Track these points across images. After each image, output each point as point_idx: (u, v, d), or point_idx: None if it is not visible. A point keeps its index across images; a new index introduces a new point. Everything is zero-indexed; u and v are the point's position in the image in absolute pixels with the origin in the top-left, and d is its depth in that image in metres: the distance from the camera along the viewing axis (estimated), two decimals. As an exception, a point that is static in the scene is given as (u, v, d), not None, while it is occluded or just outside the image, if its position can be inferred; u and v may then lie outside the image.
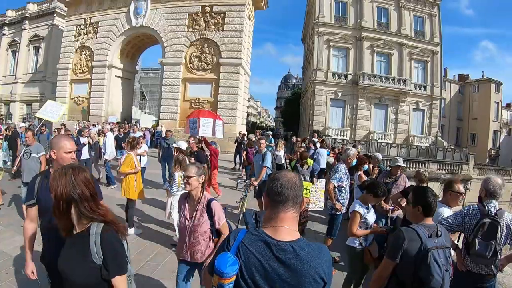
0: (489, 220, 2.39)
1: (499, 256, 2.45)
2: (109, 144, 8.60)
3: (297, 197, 1.22)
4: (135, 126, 13.15)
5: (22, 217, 5.12)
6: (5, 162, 6.37)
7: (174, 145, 6.89)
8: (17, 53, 27.64)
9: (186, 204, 2.51)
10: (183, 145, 6.06)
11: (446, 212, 2.89)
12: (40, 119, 8.59)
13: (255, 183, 5.49)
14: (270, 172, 5.64)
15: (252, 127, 34.55)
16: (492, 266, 2.46)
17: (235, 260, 1.14)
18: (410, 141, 21.81)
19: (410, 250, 1.87)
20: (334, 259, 4.28)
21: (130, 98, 24.22)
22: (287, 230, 1.19)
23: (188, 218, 2.43)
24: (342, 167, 4.62)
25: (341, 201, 4.54)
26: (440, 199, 3.06)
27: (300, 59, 32.50)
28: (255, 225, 1.84)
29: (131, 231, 4.94)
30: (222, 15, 18.32)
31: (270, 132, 17.86)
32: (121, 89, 22.28)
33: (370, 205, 3.20)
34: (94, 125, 16.11)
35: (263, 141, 6.00)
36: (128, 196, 5.05)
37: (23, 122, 15.24)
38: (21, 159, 5.24)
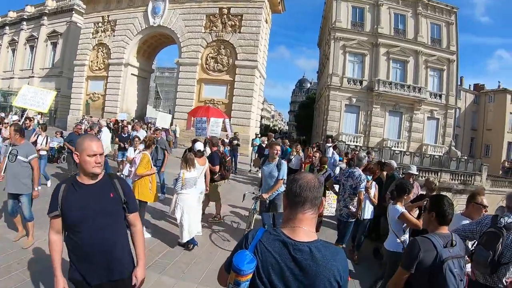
0: (493, 229, 2.38)
1: (504, 271, 2.36)
2: (104, 139, 8.38)
3: (315, 198, 1.24)
4: (136, 124, 11.61)
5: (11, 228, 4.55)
6: None
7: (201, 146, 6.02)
8: (34, 48, 28.17)
9: None
10: (200, 146, 5.61)
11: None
12: (23, 109, 7.44)
13: (266, 196, 4.39)
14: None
15: (265, 130, 34.56)
16: (497, 278, 2.38)
17: (253, 258, 1.16)
18: (424, 150, 21.51)
19: (425, 260, 1.85)
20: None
21: (145, 97, 24.44)
22: (305, 231, 1.20)
23: None
24: (363, 174, 4.44)
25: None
26: (463, 212, 3.07)
27: (315, 63, 32.51)
28: (273, 226, 1.84)
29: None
30: (239, 17, 18.39)
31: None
32: (136, 87, 22.53)
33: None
34: (97, 121, 16.07)
35: (278, 147, 4.66)
36: (142, 198, 4.73)
37: (15, 114, 12.90)
38: (6, 161, 4.07)
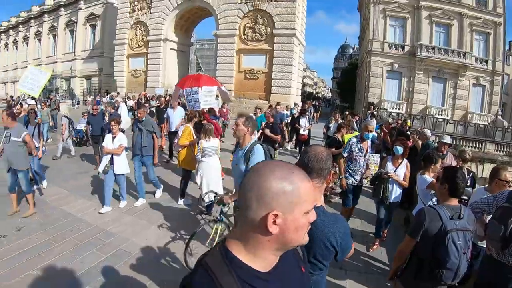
0: (507, 204, 2.29)
1: None
2: (123, 114, 9.39)
3: (321, 169, 1.37)
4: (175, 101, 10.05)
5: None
6: None
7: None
8: (74, 32, 29.47)
9: None
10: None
11: None
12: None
13: (230, 200, 3.00)
14: None
15: (308, 97, 34.01)
16: (508, 255, 2.27)
17: None
18: (468, 118, 20.60)
19: (430, 229, 1.90)
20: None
21: (186, 70, 24.96)
22: None
23: None
24: (354, 139, 4.41)
25: (350, 173, 4.41)
26: (485, 186, 3.02)
27: (356, 28, 30.95)
28: None
29: (181, 202, 5.28)
30: (275, -15, 18.13)
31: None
32: (176, 61, 23.10)
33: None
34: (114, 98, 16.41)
35: (241, 120, 2.91)
36: (187, 167, 5.19)
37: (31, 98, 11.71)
38: (2, 144, 4.50)
